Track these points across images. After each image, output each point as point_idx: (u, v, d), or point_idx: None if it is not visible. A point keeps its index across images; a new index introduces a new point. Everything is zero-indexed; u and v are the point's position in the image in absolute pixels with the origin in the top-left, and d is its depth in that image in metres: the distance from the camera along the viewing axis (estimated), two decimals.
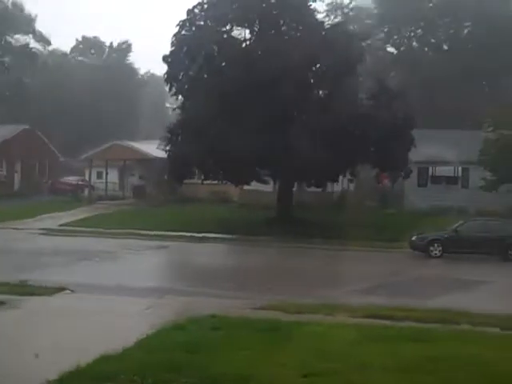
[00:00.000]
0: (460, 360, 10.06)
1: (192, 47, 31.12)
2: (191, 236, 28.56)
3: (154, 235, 28.76)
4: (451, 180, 39.94)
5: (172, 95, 34.27)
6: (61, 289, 15.74)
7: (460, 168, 39.51)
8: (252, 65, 28.33)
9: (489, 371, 9.54)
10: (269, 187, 34.05)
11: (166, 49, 34.06)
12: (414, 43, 61.26)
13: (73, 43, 75.07)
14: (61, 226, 31.59)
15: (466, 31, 59.76)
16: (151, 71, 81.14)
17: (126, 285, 17.17)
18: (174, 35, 31.83)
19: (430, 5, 59.12)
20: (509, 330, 12.63)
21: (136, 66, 76.66)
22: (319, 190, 33.77)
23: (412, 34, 61.07)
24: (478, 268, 22.64)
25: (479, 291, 18.19)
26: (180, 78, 31.80)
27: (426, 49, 60.72)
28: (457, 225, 25.58)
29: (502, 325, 13.10)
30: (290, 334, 11.61)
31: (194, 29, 31.85)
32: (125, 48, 74.45)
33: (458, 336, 12.04)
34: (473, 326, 13.07)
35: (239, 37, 32.61)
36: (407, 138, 29.59)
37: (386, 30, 59.70)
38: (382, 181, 36.04)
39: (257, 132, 27.09)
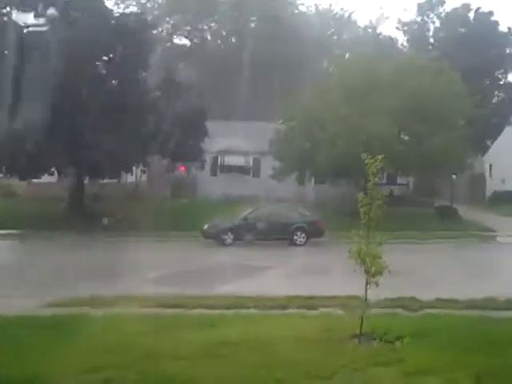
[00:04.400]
0: (247, 342, 10.46)
1: None
2: None
3: None
4: (244, 169, 41.38)
5: None
6: None
7: (252, 158, 41.08)
8: (37, 52, 26.88)
9: (272, 350, 10.03)
10: (59, 179, 32.74)
11: None
12: (206, 35, 62.47)
13: None
14: None
15: (252, 25, 62.09)
16: None
17: None
18: None
19: None
20: (293, 311, 13.45)
21: None
22: (113, 181, 33.17)
23: (205, 27, 62.22)
24: (267, 254, 23.62)
25: (266, 276, 19.00)
26: None
27: (219, 41, 62.20)
28: (246, 212, 26.48)
29: (286, 306, 13.89)
30: (78, 328, 11.32)
31: None
32: None
33: (246, 320, 12.51)
34: (260, 309, 13.67)
35: (22, 21, 30.73)
36: (199, 129, 30.11)
37: (173, 21, 60.25)
38: (180, 171, 36.38)
39: (43, 123, 25.80)
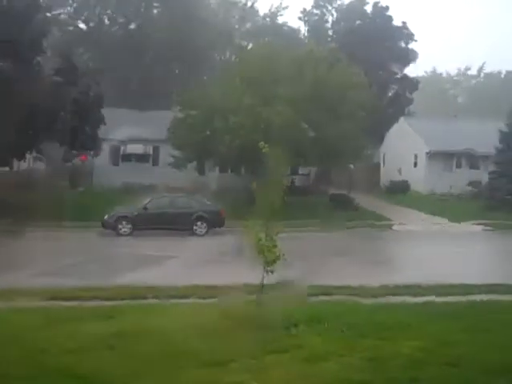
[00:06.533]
0: (143, 333, 10.27)
1: None
2: None
3: None
4: (142, 158, 40.82)
5: None
6: None
7: (151, 146, 40.57)
8: None
9: (169, 340, 9.88)
10: None
11: None
12: (106, 20, 60.84)
13: None
14: None
15: (155, 11, 61.06)
16: None
17: None
18: None
19: None
20: (192, 301, 13.39)
21: None
22: (4, 168, 31.73)
23: (103, 12, 60.56)
24: (167, 243, 23.33)
25: (166, 266, 18.75)
26: None
27: (117, 27, 60.69)
28: (145, 202, 26.04)
29: (185, 296, 13.80)
30: None
31: None
32: None
33: (144, 310, 12.32)
34: (158, 299, 13.51)
35: None
36: (96, 116, 29.32)
37: (75, 5, 58.37)
38: (81, 160, 35.41)
39: None
